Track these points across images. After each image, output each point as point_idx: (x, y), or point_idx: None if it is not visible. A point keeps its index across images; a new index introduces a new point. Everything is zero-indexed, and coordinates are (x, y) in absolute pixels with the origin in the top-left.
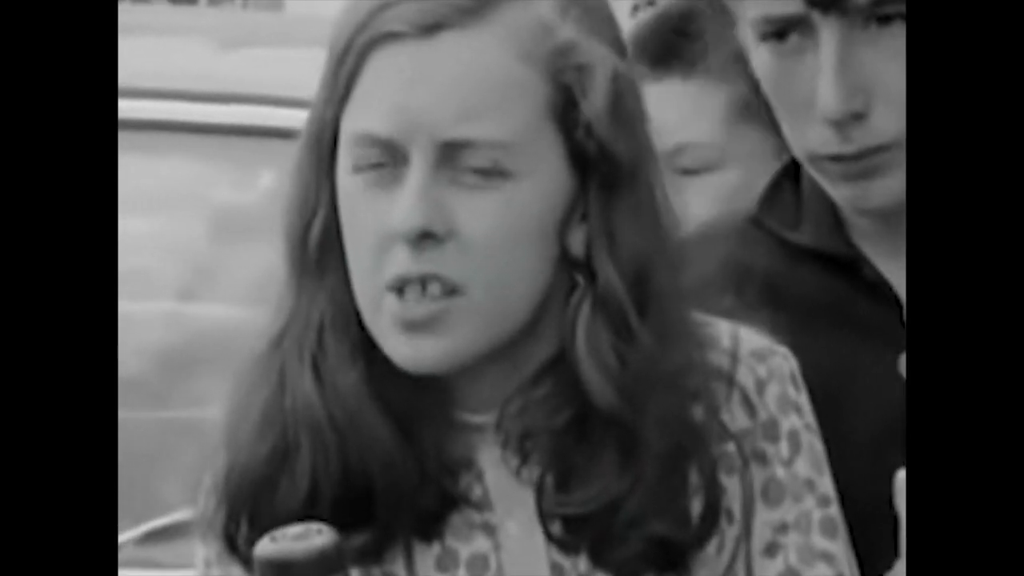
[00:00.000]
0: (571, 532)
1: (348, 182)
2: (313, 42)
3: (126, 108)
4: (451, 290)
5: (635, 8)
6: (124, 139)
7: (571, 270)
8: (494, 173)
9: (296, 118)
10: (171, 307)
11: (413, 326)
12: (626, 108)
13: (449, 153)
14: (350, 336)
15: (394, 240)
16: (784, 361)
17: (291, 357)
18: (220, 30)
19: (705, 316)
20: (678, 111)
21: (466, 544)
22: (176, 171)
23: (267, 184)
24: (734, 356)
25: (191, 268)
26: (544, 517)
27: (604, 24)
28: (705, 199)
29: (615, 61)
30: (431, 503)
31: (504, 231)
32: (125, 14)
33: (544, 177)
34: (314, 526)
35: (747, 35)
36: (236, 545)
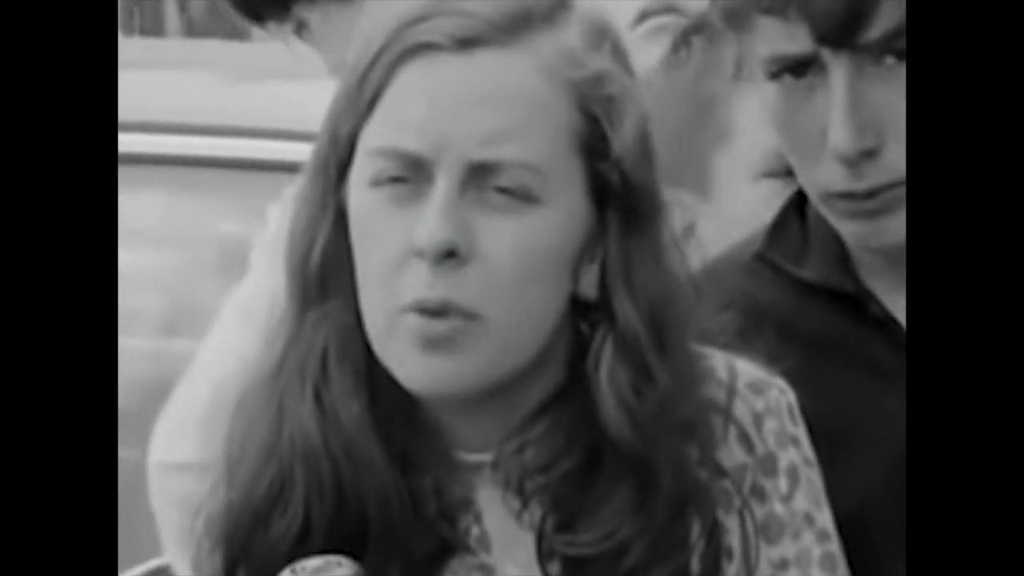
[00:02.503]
0: (571, 568)
1: (364, 196)
2: (321, 75)
3: (132, 142)
4: (468, 315)
5: (642, 17)
6: (127, 173)
7: (579, 311)
8: (520, 196)
9: (303, 152)
10: (155, 343)
11: (432, 345)
12: (649, 144)
13: (476, 173)
14: (355, 364)
15: (414, 257)
16: (781, 394)
17: (291, 386)
18: (228, 64)
19: (702, 348)
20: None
21: None
22: (182, 205)
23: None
24: (731, 390)
25: (175, 303)
26: (543, 558)
27: (629, 62)
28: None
29: (641, 97)
30: (427, 546)
31: (526, 257)
32: (132, 49)
33: (566, 207)
34: (334, 558)
35: (756, 72)
36: None
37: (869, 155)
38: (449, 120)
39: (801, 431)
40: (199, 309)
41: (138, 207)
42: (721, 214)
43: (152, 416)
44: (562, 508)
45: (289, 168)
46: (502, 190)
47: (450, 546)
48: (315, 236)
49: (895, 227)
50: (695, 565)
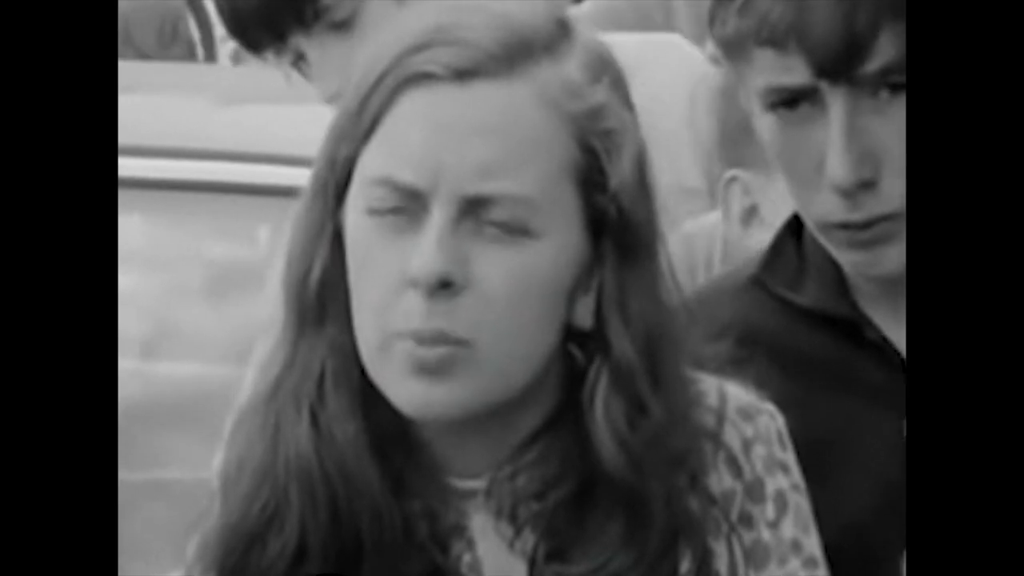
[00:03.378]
0: None
1: (361, 223)
2: (307, 100)
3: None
4: (461, 343)
5: None
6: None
7: (572, 339)
8: (515, 229)
9: (293, 176)
10: (134, 364)
11: (427, 370)
12: (647, 178)
13: (472, 206)
14: (351, 387)
15: (409, 287)
16: (771, 420)
17: (287, 408)
18: (214, 87)
19: (692, 372)
20: None
21: None
22: (166, 228)
23: (264, 241)
24: (720, 415)
25: (158, 326)
26: None
27: (629, 94)
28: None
29: (638, 131)
30: (419, 570)
31: (520, 288)
32: (122, 72)
33: (561, 239)
34: None
35: (752, 103)
36: None
37: (866, 186)
38: (445, 152)
39: (790, 457)
40: (183, 332)
41: (123, 230)
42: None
43: (137, 438)
44: (554, 537)
45: (275, 192)
46: (497, 223)
47: (442, 572)
48: (313, 258)
49: (892, 257)
50: None
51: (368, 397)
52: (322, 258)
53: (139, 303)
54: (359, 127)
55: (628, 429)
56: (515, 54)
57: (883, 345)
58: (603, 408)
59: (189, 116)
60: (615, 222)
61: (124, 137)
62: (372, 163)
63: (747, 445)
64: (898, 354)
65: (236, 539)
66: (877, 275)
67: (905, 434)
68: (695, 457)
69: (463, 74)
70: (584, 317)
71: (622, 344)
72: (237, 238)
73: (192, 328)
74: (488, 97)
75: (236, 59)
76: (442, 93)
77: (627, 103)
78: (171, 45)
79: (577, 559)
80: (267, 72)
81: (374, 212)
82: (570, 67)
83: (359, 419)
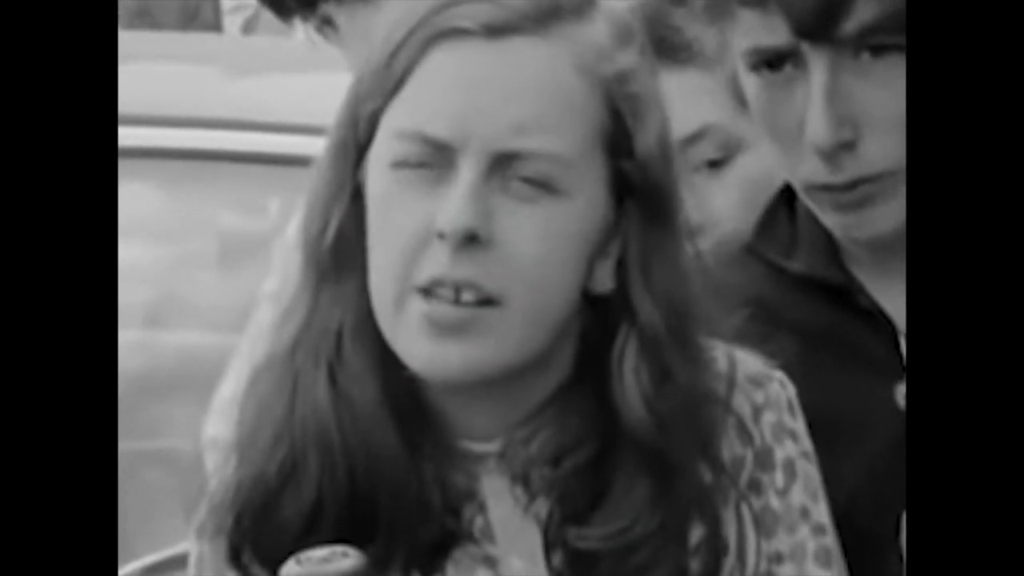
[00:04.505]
0: (575, 569)
1: (384, 177)
2: (320, 69)
3: (131, 135)
4: (485, 300)
5: None
6: (128, 166)
7: (589, 305)
8: (543, 186)
9: (304, 145)
10: (138, 334)
11: (442, 329)
12: (670, 144)
13: (501, 162)
14: (370, 346)
15: (435, 240)
16: (781, 388)
17: (306, 365)
18: (228, 57)
19: (703, 339)
20: (684, 100)
21: None
22: (180, 198)
23: (275, 212)
24: (731, 382)
25: (165, 294)
26: (549, 549)
27: (654, 62)
28: (732, 191)
29: (662, 99)
30: (432, 535)
31: (546, 246)
32: (132, 42)
33: (587, 201)
34: (339, 549)
35: (738, 65)
36: (240, 561)
37: (847, 147)
38: (477, 108)
39: (800, 425)
40: (193, 301)
41: (136, 200)
42: None
43: (142, 408)
44: (570, 501)
45: (288, 161)
46: (526, 179)
47: (454, 536)
48: (330, 215)
49: (876, 219)
50: (695, 564)
51: (385, 356)
52: (339, 217)
53: (149, 272)
54: (387, 82)
55: (651, 388)
56: (546, 14)
57: (875, 312)
58: (633, 373)
59: (200, 85)
60: (639, 187)
61: (134, 107)
62: (400, 117)
63: (757, 412)
64: (890, 321)
65: (252, 495)
66: (863, 238)
67: (901, 403)
68: (708, 424)
69: (495, 30)
70: (604, 281)
71: (646, 309)
72: (248, 208)
73: (202, 298)
74: (520, 55)
75: (247, 29)
76: (474, 48)
77: (652, 70)
78: (191, 24)
79: (598, 523)
80: (278, 42)
81: (400, 165)
82: (599, 30)
83: (378, 380)
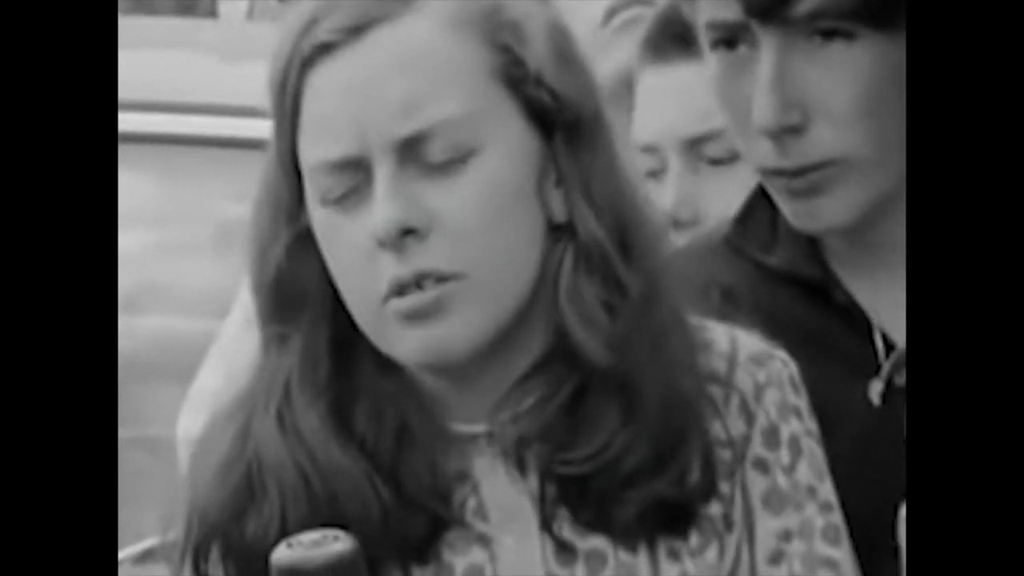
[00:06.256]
0: (570, 495)
1: (320, 216)
2: None
3: (130, 121)
4: (446, 279)
5: (611, 13)
6: (127, 152)
7: (560, 237)
8: (458, 152)
9: None
10: (154, 320)
11: (416, 317)
12: (569, 53)
13: (409, 148)
14: (316, 380)
15: (377, 250)
16: (783, 366)
17: (257, 405)
18: (225, 43)
19: (702, 320)
20: (701, 98)
21: (462, 557)
22: (179, 184)
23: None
24: (732, 360)
25: (135, 279)
26: (547, 520)
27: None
28: (733, 191)
29: (544, 11)
30: (418, 530)
31: (484, 206)
32: (130, 27)
33: (508, 142)
34: (331, 532)
35: (703, 42)
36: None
37: (794, 131)
38: (363, 109)
39: (803, 402)
40: (194, 287)
41: (135, 186)
42: None
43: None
44: (553, 433)
45: None
46: (439, 155)
47: (444, 522)
48: (267, 262)
49: (828, 208)
50: (694, 476)
51: (355, 366)
52: (275, 263)
53: (147, 258)
54: (284, 123)
55: (603, 312)
56: None
57: (851, 307)
58: (568, 291)
59: (197, 71)
60: (552, 105)
61: (134, 93)
62: (307, 153)
63: (759, 390)
64: (866, 317)
65: (204, 523)
66: (819, 228)
67: (875, 399)
68: (684, 335)
69: (357, 30)
70: (559, 211)
71: (588, 224)
72: (245, 196)
73: (203, 284)
74: (387, 41)
75: (251, 15)
76: (344, 57)
77: None
78: (189, 12)
79: (578, 447)
80: (275, 29)
81: (327, 203)
82: None
83: (320, 408)
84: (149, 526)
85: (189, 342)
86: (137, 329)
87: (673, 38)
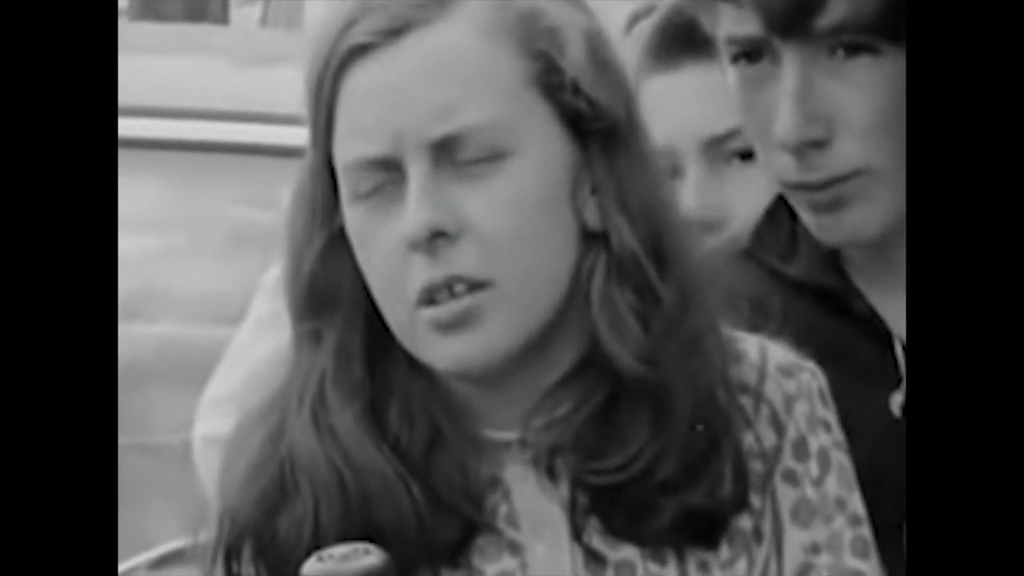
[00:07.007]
0: (601, 504)
1: (353, 214)
2: None
3: (138, 127)
4: (477, 285)
5: (633, 20)
6: (131, 157)
7: (592, 246)
8: (492, 157)
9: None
10: (163, 327)
11: (447, 327)
12: (606, 60)
13: (442, 151)
14: (351, 380)
15: (409, 252)
16: (812, 378)
17: (291, 404)
18: (236, 48)
19: (733, 330)
20: (716, 98)
21: (493, 564)
22: (188, 190)
23: (286, 203)
24: (762, 371)
25: (143, 284)
26: (577, 529)
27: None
28: (755, 188)
29: (583, 18)
30: (450, 534)
31: (516, 212)
32: (141, 33)
33: (542, 148)
34: (361, 546)
35: (723, 56)
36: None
37: (817, 146)
38: (399, 110)
39: (832, 415)
40: (204, 292)
41: (143, 192)
42: None
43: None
44: (584, 442)
45: (297, 153)
46: (474, 158)
47: (476, 527)
48: (302, 263)
49: (851, 221)
50: (726, 486)
51: (387, 371)
52: (310, 265)
53: (157, 263)
54: (319, 125)
55: (635, 322)
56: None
57: (872, 318)
58: (601, 300)
59: (210, 77)
60: (588, 112)
61: (145, 98)
62: (342, 152)
63: (789, 402)
64: (886, 328)
65: (235, 523)
66: (842, 240)
67: (896, 411)
68: (718, 344)
69: (395, 32)
70: (594, 219)
71: (622, 233)
72: (257, 201)
73: (211, 289)
74: (424, 44)
75: (264, 21)
76: (381, 59)
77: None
78: (200, 17)
79: (609, 457)
80: (288, 35)
81: (359, 198)
82: None
83: (356, 407)
84: (152, 531)
85: (197, 347)
86: (146, 334)
87: (679, 43)
